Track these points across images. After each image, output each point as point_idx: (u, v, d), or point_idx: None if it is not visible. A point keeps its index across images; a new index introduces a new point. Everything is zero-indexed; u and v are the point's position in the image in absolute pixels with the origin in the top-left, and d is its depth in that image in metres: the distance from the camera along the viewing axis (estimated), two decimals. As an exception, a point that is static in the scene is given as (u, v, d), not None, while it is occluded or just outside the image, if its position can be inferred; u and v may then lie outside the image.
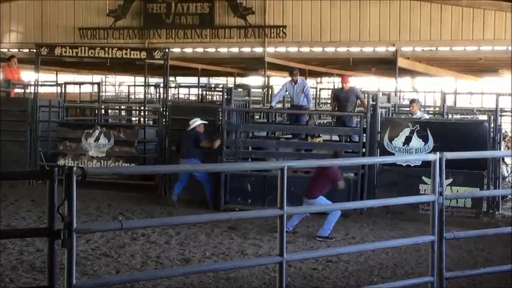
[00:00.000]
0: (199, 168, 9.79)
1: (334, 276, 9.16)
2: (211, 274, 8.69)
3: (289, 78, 17.57)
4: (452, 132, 13.46)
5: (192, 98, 30.64)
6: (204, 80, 36.82)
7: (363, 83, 35.23)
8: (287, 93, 17.30)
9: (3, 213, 12.72)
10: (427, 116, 17.28)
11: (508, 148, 16.58)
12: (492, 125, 13.53)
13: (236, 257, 10.17)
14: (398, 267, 9.53)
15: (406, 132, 13.72)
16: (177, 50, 23.79)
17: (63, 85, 19.13)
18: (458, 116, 21.54)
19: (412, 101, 16.71)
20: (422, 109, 21.43)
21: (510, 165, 15.44)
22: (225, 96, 14.95)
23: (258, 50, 23.65)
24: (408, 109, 17.05)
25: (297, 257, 8.34)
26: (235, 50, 24.00)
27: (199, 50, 24.40)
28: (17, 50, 25.30)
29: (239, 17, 23.49)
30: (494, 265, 8.21)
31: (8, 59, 19.31)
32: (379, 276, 9.16)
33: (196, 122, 14.26)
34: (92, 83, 24.78)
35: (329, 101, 28.02)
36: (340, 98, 17.19)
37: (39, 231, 6.39)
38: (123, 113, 24.12)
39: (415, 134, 13.64)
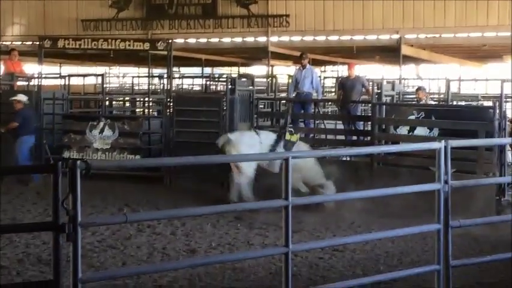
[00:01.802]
0: (206, 160, 9.74)
1: (340, 265, 9.15)
2: (217, 265, 8.69)
3: (297, 66, 17.62)
4: (457, 119, 13.39)
5: (196, 88, 30.60)
6: (207, 70, 36.76)
7: (367, 71, 35.12)
8: (295, 79, 17.32)
9: (9, 206, 12.73)
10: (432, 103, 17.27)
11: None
12: (497, 111, 13.46)
13: (242, 247, 10.17)
14: (405, 256, 9.52)
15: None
16: (180, 40, 23.77)
17: (67, 77, 19.12)
18: (463, 103, 21.48)
19: (418, 89, 16.71)
20: (429, 96, 21.43)
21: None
22: (229, 86, 14.93)
23: (262, 39, 23.62)
24: (413, 96, 17.02)
25: (302, 248, 8.32)
26: (238, 39, 23.97)
27: (203, 40, 24.38)
28: (20, 42, 25.30)
29: (242, 6, 23.46)
30: (501, 252, 8.19)
31: (9, 52, 19.32)
32: (386, 265, 9.15)
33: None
34: (96, 75, 24.78)
35: (333, 90, 28.06)
36: (346, 86, 17.19)
37: (44, 225, 6.39)
38: (127, 104, 24.12)
39: (420, 121, 13.61)
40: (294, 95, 17.45)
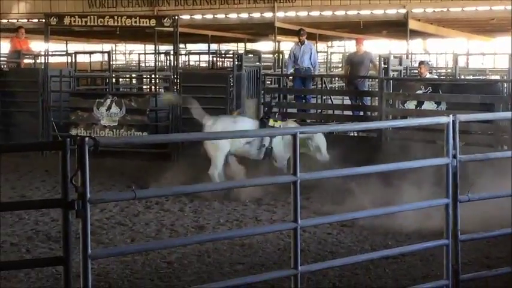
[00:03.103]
0: (213, 137, 9.75)
1: (349, 241, 9.17)
2: (225, 241, 8.72)
3: (296, 42, 17.63)
4: (465, 93, 13.35)
5: (203, 64, 30.53)
6: (214, 46, 36.65)
7: (374, 46, 34.99)
8: (294, 55, 17.30)
9: (17, 184, 12.80)
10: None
11: None
12: (506, 85, 13.41)
13: (250, 223, 10.19)
14: (413, 230, 9.50)
15: (418, 94, 13.65)
16: (186, 17, 23.69)
17: (74, 55, 19.09)
18: (471, 77, 21.40)
19: (421, 63, 16.65)
20: (434, 71, 21.36)
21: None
22: (236, 63, 14.90)
23: (268, 15, 23.51)
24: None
25: (311, 223, 8.33)
26: (244, 15, 23.87)
27: (209, 16, 24.28)
28: (26, 20, 25.25)
29: (248, -18, 23.34)
30: (509, 226, 8.17)
31: (16, 30, 19.30)
32: (394, 240, 9.17)
33: None
34: (102, 52, 24.73)
35: (340, 65, 28.01)
36: (353, 61, 17.20)
37: (53, 202, 6.41)
38: (134, 81, 24.11)
39: (427, 96, 13.57)
40: (291, 70, 17.44)
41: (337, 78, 21.85)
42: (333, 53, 31.57)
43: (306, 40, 17.51)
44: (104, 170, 13.31)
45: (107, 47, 35.52)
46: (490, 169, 9.66)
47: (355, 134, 14.81)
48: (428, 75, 15.95)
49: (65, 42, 32.87)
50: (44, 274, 7.60)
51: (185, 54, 27.30)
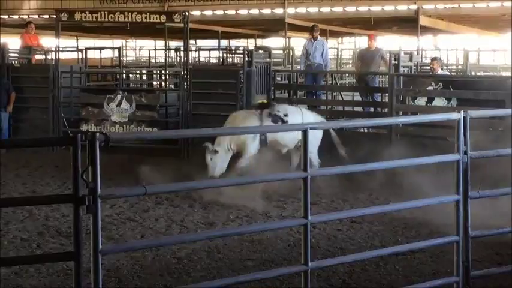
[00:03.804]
0: (223, 132, 9.78)
1: (359, 237, 9.16)
2: (235, 237, 8.72)
3: (309, 38, 17.56)
4: (476, 89, 13.30)
5: (213, 60, 30.53)
6: (224, 42, 36.62)
7: (385, 42, 34.87)
8: (306, 50, 17.25)
9: (28, 179, 12.84)
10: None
11: None
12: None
13: (260, 219, 10.19)
14: (423, 227, 9.49)
15: (429, 90, 13.61)
16: (197, 12, 23.68)
17: (84, 50, 19.12)
18: (482, 73, 21.32)
19: (433, 59, 16.59)
20: (445, 67, 21.30)
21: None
22: (246, 59, 14.89)
23: (278, 11, 23.48)
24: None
25: (321, 219, 8.32)
26: (255, 11, 23.84)
27: (219, 12, 24.27)
28: (37, 16, 25.30)
29: (258, -22, 23.32)
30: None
31: (26, 25, 19.34)
32: (404, 236, 9.15)
33: None
34: (113, 48, 24.77)
35: (350, 61, 27.97)
36: (365, 57, 17.16)
37: (64, 197, 6.42)
38: (144, 77, 24.14)
39: (438, 92, 13.52)
40: (304, 66, 17.43)
41: (347, 75, 21.81)
42: (343, 49, 31.47)
43: (319, 36, 17.45)
44: (113, 166, 13.32)
45: (117, 43, 35.59)
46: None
47: (365, 131, 14.77)
48: (440, 72, 15.91)
49: (75, 38, 32.94)
50: (54, 269, 7.62)
51: (195, 50, 27.34)
